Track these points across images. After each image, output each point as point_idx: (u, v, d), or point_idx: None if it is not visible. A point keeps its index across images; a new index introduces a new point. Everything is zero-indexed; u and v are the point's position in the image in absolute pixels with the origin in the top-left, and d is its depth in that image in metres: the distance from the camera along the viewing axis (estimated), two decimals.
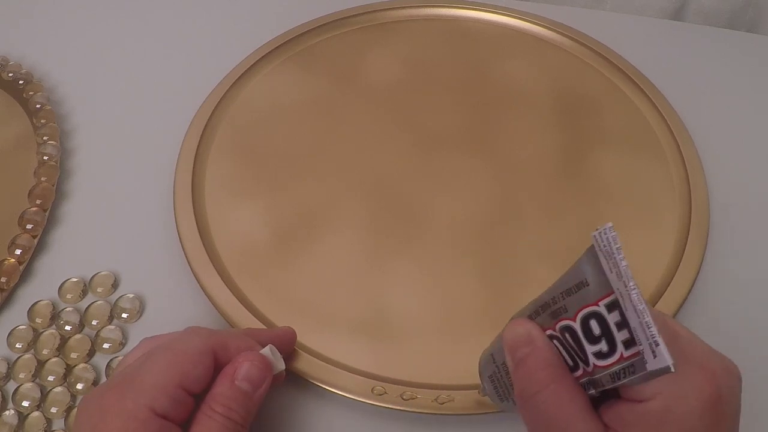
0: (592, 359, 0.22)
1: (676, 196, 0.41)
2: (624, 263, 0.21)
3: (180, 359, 0.27)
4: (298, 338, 0.34)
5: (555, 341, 0.24)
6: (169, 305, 0.38)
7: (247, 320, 0.36)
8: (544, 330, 0.24)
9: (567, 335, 0.23)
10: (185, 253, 0.38)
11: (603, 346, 0.22)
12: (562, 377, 0.23)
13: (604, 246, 0.21)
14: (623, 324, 0.21)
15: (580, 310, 0.22)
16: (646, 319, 0.20)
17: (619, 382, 0.22)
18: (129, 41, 0.52)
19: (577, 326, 0.23)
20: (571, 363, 0.24)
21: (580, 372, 0.23)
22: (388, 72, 0.48)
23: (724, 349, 0.27)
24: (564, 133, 0.45)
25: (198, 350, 0.28)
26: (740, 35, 0.53)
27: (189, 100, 0.46)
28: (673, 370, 0.19)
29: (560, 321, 0.23)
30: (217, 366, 0.28)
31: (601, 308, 0.22)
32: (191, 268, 0.38)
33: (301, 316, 0.36)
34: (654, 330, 0.20)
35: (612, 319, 0.22)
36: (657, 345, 0.20)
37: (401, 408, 0.32)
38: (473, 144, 0.44)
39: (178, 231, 0.39)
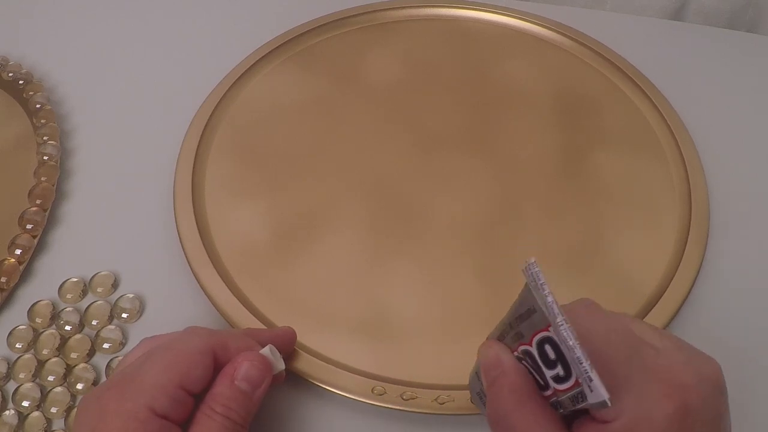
0: (551, 383, 0.22)
1: (676, 196, 0.41)
2: (550, 299, 0.20)
3: (180, 359, 0.27)
4: (298, 338, 0.34)
5: (524, 362, 0.24)
6: (169, 305, 0.38)
7: (247, 320, 0.36)
8: (513, 351, 0.24)
9: (528, 359, 0.23)
10: (185, 253, 0.38)
11: (559, 370, 0.22)
12: (527, 401, 0.23)
13: (531, 281, 0.21)
14: None
15: (534, 335, 0.22)
16: (577, 355, 0.20)
17: (579, 406, 0.21)
18: (129, 41, 0.52)
19: (534, 351, 0.22)
20: (542, 382, 0.23)
21: (550, 392, 0.23)
22: (388, 72, 0.48)
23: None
24: (564, 133, 0.45)
25: (198, 350, 0.28)
26: (740, 35, 0.53)
27: (189, 100, 0.46)
28: (609, 404, 0.19)
29: (520, 345, 0.23)
30: (217, 366, 0.28)
31: (552, 333, 0.21)
32: (191, 268, 0.38)
33: (301, 316, 0.36)
34: (586, 365, 0.20)
35: None
36: (591, 381, 0.19)
37: (401, 408, 0.32)
38: (473, 144, 0.44)
39: (178, 231, 0.39)
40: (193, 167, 0.42)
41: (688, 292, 0.37)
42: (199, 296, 0.37)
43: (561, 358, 0.21)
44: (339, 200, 0.41)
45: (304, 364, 0.34)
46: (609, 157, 0.43)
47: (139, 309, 0.37)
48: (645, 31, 0.53)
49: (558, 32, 0.50)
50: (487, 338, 0.26)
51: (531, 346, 0.22)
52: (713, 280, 0.38)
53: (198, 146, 0.43)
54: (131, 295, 0.38)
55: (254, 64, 0.48)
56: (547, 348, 0.22)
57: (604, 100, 0.46)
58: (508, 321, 0.24)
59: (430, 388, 0.33)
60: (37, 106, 0.45)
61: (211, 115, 0.45)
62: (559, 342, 0.21)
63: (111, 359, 0.36)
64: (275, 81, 0.48)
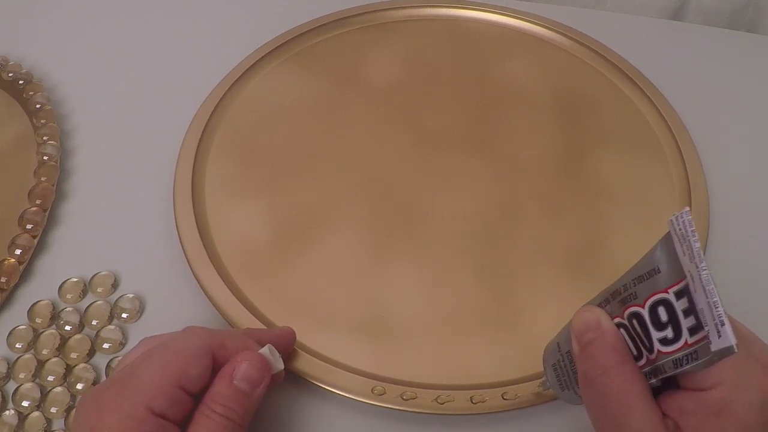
0: (656, 345, 0.23)
1: (676, 196, 0.41)
2: (697, 245, 0.21)
3: (178, 359, 0.27)
4: (298, 338, 0.34)
5: (622, 330, 0.25)
6: (169, 305, 0.38)
7: (247, 320, 0.36)
8: (613, 318, 0.25)
9: (634, 321, 0.24)
10: (185, 253, 0.38)
11: (669, 332, 0.23)
12: (625, 362, 0.24)
13: (680, 229, 0.22)
14: (690, 310, 0.22)
15: (650, 296, 0.23)
16: (715, 299, 0.21)
17: (681, 369, 0.22)
18: (129, 41, 0.52)
19: (645, 312, 0.23)
20: (635, 352, 0.24)
21: (643, 361, 0.24)
22: (388, 72, 0.48)
23: None
24: (564, 133, 0.45)
25: (196, 350, 0.28)
26: (740, 35, 0.53)
27: (189, 100, 0.46)
28: (736, 350, 0.20)
29: (629, 307, 0.24)
30: (216, 366, 0.28)
31: (671, 295, 0.23)
32: (191, 268, 0.37)
33: (301, 316, 0.36)
34: (721, 310, 0.20)
35: (680, 306, 0.22)
36: (722, 325, 0.20)
37: (401, 408, 0.32)
38: (473, 144, 0.44)
39: (178, 231, 0.39)
40: (193, 167, 0.42)
41: None
42: (199, 296, 0.37)
43: (673, 320, 0.23)
44: (339, 200, 0.41)
45: (304, 364, 0.34)
46: (609, 157, 0.43)
47: (139, 309, 0.37)
48: (645, 31, 0.53)
49: (558, 32, 0.50)
50: (584, 305, 0.27)
51: (643, 308, 0.23)
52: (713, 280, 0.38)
53: (198, 146, 0.43)
54: (131, 295, 0.38)
55: (254, 64, 0.48)
56: (660, 310, 0.23)
57: (604, 100, 0.46)
58: (620, 285, 0.25)
59: (430, 388, 0.33)
60: (37, 106, 0.45)
61: (211, 115, 0.45)
62: (693, 290, 0.22)
63: (111, 359, 0.36)
64: (275, 81, 0.48)
